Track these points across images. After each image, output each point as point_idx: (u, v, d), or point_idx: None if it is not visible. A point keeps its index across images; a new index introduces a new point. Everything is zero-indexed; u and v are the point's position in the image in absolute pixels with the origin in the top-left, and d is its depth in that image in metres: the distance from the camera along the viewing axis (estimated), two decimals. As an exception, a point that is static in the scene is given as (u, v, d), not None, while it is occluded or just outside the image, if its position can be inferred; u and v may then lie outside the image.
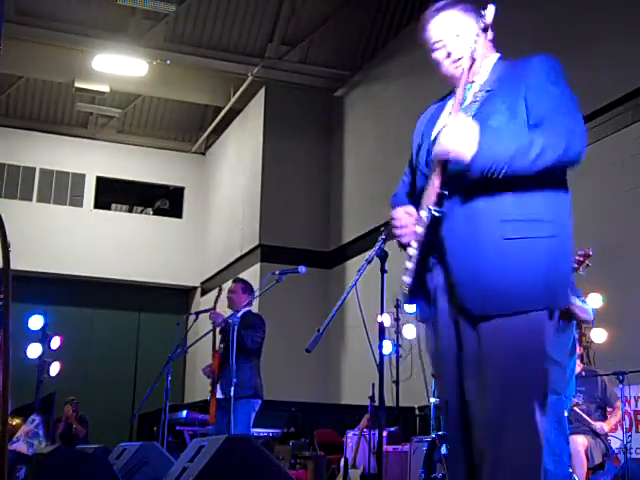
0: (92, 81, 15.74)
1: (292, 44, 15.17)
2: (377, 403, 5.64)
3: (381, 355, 3.59)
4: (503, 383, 2.51)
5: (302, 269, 5.97)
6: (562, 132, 2.51)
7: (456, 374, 2.67)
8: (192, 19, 14.76)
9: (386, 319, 8.63)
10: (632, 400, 7.16)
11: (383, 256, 3.51)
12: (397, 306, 9.05)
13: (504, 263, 2.53)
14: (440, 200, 2.63)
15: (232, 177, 17.32)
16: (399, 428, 8.21)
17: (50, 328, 10.40)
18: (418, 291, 2.76)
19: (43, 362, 10.06)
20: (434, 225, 2.64)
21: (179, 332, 7.67)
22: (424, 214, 2.66)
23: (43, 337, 10.20)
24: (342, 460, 7.82)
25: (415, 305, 2.84)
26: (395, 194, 3.12)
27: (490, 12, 2.65)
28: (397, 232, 2.79)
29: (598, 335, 7.41)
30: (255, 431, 8.84)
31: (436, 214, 2.62)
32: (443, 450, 6.18)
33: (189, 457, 4.46)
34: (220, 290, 7.02)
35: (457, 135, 2.52)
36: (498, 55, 2.88)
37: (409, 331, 9.12)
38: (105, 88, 16.00)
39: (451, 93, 2.96)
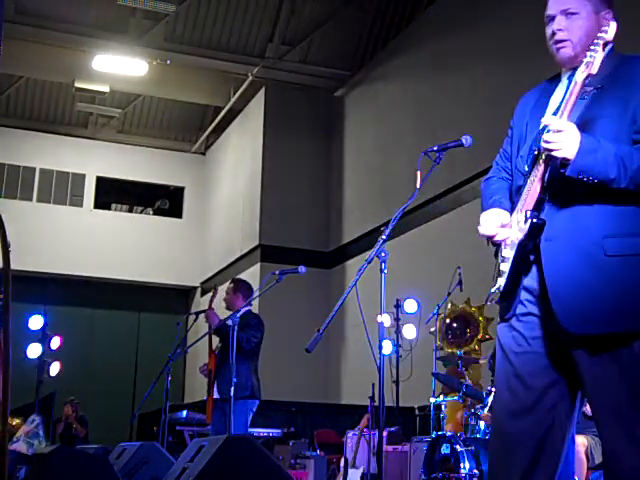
0: (92, 81, 15.74)
1: (292, 44, 15.17)
2: (377, 403, 5.64)
3: (381, 355, 3.59)
4: (617, 409, 2.46)
5: (302, 269, 5.97)
6: None
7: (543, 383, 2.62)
8: (192, 19, 14.76)
9: (386, 319, 8.62)
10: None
11: (383, 256, 3.52)
12: (397, 306, 9.04)
13: (605, 282, 2.46)
14: (540, 205, 2.58)
15: (232, 177, 17.32)
16: (399, 428, 8.20)
17: (50, 328, 10.41)
18: (512, 295, 2.69)
19: (43, 362, 10.07)
20: (534, 236, 2.57)
21: (179, 332, 7.67)
22: (521, 218, 2.61)
23: (43, 337, 10.21)
24: (342, 460, 7.81)
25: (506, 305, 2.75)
26: (487, 179, 3.02)
27: (612, 29, 2.61)
28: (488, 234, 2.74)
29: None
30: (255, 431, 8.84)
31: (535, 221, 2.55)
32: (443, 450, 6.18)
33: (189, 457, 4.46)
34: (215, 290, 6.99)
35: (561, 137, 2.46)
36: (611, 45, 2.77)
37: (409, 331, 9.12)
38: (105, 88, 16.00)
39: (557, 77, 2.87)
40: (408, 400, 9.72)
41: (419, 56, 13.35)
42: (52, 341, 10.29)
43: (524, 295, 2.67)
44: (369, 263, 3.50)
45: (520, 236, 2.60)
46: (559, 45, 2.71)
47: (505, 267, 2.67)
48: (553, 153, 2.47)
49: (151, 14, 14.32)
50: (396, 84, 14.00)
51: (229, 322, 6.23)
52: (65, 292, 17.44)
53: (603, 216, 2.51)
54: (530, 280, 2.66)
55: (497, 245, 2.76)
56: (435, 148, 3.53)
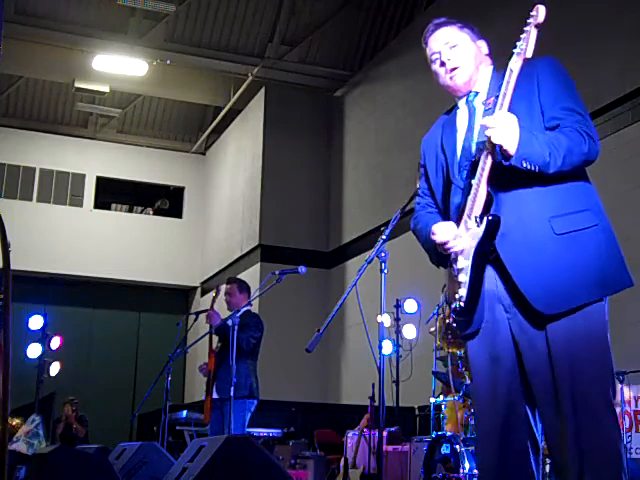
0: (92, 81, 15.75)
1: (292, 44, 15.17)
2: (377, 403, 5.64)
3: (381, 355, 3.59)
4: (578, 383, 2.56)
5: (302, 269, 5.97)
6: (581, 132, 2.62)
7: (516, 381, 2.72)
8: (192, 19, 14.76)
9: (386, 319, 8.62)
10: (632, 400, 7.16)
11: (383, 256, 3.52)
12: (397, 306, 9.04)
13: (561, 259, 2.59)
14: (488, 208, 2.65)
15: (232, 177, 17.32)
16: (399, 428, 8.20)
17: (50, 328, 10.41)
18: (471, 306, 2.75)
19: (43, 362, 10.07)
20: (492, 234, 2.65)
21: (179, 332, 7.67)
22: (472, 225, 2.67)
23: (43, 337, 10.20)
24: (342, 460, 7.81)
25: (463, 322, 2.79)
26: (416, 217, 3.11)
27: (542, 11, 2.76)
28: (445, 247, 2.79)
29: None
30: (255, 431, 8.84)
31: (491, 218, 2.63)
32: (443, 450, 6.18)
33: (189, 457, 4.46)
34: (217, 291, 6.99)
35: (504, 128, 2.56)
36: (492, 67, 2.97)
37: (409, 331, 9.12)
38: (105, 88, 16.01)
39: (454, 107, 3.05)
40: (408, 400, 9.73)
41: (419, 56, 13.20)
42: (52, 341, 10.29)
43: (486, 303, 2.74)
44: (369, 263, 3.50)
45: (474, 243, 2.67)
46: (453, 73, 2.89)
47: (463, 277, 2.73)
48: (495, 138, 2.55)
49: (151, 14, 14.33)
50: (396, 84, 14.01)
51: (229, 322, 6.23)
52: (65, 292, 17.44)
53: (545, 199, 2.65)
54: (489, 284, 2.73)
55: (442, 258, 2.86)
56: None
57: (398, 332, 9.07)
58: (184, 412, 9.65)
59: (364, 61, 15.44)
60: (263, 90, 15.88)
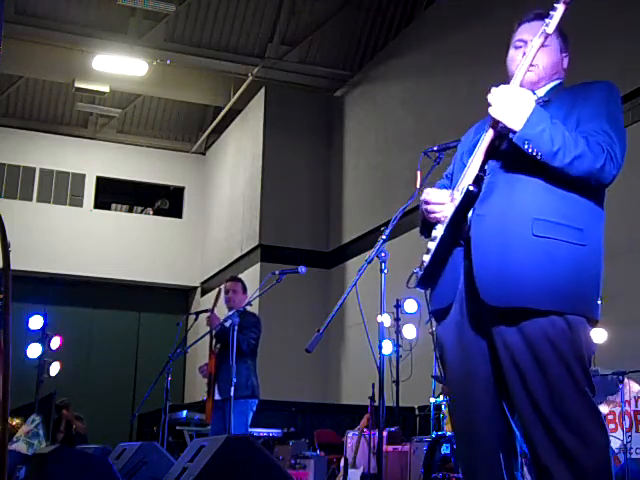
0: (92, 81, 15.76)
1: (292, 44, 15.17)
2: (377, 403, 5.64)
3: (381, 355, 3.59)
4: (547, 382, 2.47)
5: (302, 269, 5.97)
6: (604, 149, 2.51)
7: (485, 374, 2.63)
8: (192, 19, 14.77)
9: (386, 319, 8.62)
10: (632, 400, 7.16)
11: (383, 256, 3.52)
12: (397, 306, 9.04)
13: (530, 259, 2.51)
14: (478, 183, 2.61)
15: (232, 177, 17.33)
16: (399, 428, 8.20)
17: (50, 328, 10.40)
18: (432, 277, 2.71)
19: (43, 362, 10.06)
20: (466, 206, 2.61)
21: (179, 332, 7.66)
22: (458, 194, 2.64)
23: (43, 337, 10.20)
24: (342, 460, 7.81)
25: (424, 292, 2.77)
26: None
27: (554, 21, 2.60)
28: (428, 208, 2.74)
29: (598, 335, 7.41)
30: (255, 431, 8.84)
31: (471, 189, 2.59)
32: (443, 450, 6.19)
33: (189, 457, 4.46)
34: (220, 291, 6.97)
35: (510, 101, 2.54)
36: (560, 81, 2.87)
37: (409, 331, 9.12)
38: (105, 88, 16.01)
39: None
40: (408, 400, 9.73)
41: (419, 56, 13.35)
42: (52, 341, 10.28)
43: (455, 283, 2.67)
44: (369, 263, 3.49)
45: (452, 211, 2.63)
46: (530, 68, 2.74)
47: (431, 245, 2.70)
48: (494, 111, 2.56)
49: (151, 14, 14.33)
50: (396, 84, 14.01)
51: (227, 323, 6.23)
52: (65, 292, 17.44)
53: (542, 198, 2.56)
54: (458, 264, 2.67)
55: (428, 229, 2.79)
56: (435, 148, 3.54)
57: (398, 332, 9.07)
58: (184, 412, 9.65)
59: (364, 61, 15.45)
60: (263, 90, 15.88)
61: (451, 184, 2.90)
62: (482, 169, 2.63)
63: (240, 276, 8.53)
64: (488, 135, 2.64)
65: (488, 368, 2.62)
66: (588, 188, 2.57)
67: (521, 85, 2.68)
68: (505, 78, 2.84)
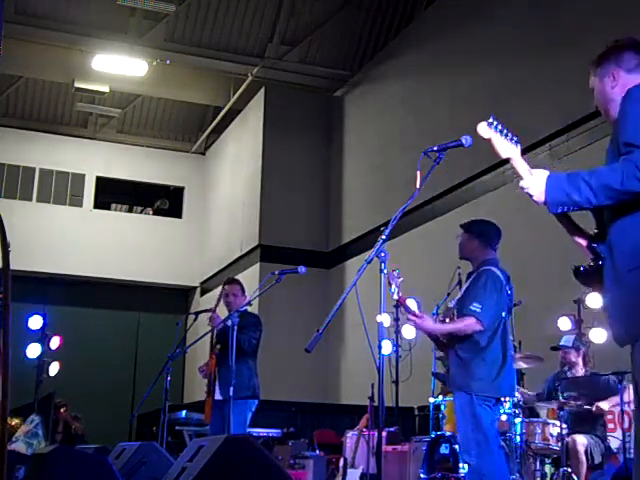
0: (92, 81, 15.75)
1: (292, 44, 15.17)
2: (376, 403, 5.64)
3: (380, 355, 3.58)
4: None
5: (302, 269, 5.97)
6: (625, 166, 2.63)
7: None
8: (192, 19, 14.77)
9: (385, 319, 8.62)
10: (631, 400, 7.16)
11: (383, 256, 3.52)
12: (396, 306, 9.03)
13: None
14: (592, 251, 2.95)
15: (232, 177, 17.32)
16: (398, 428, 8.20)
17: (50, 328, 10.39)
18: None
19: (42, 362, 10.05)
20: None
21: (178, 332, 7.66)
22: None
23: (42, 337, 10.19)
24: (341, 460, 7.82)
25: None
26: None
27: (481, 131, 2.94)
28: None
29: (598, 335, 7.41)
30: (255, 431, 8.83)
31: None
32: (442, 450, 6.18)
33: (188, 457, 4.46)
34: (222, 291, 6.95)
35: (531, 181, 2.83)
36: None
37: (408, 331, 9.11)
38: (105, 88, 16.01)
39: None
40: (407, 400, 9.72)
41: (419, 56, 13.35)
42: (51, 341, 10.28)
43: None
44: (369, 263, 3.50)
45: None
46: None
47: None
48: (530, 193, 2.84)
49: (151, 14, 14.33)
50: (396, 84, 14.01)
51: (229, 323, 6.22)
52: (65, 292, 17.42)
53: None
54: None
55: None
56: (435, 148, 3.55)
57: (397, 332, 9.05)
58: (183, 412, 9.64)
59: (364, 61, 15.45)
60: (263, 90, 15.88)
61: None
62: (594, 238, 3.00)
63: (239, 276, 8.57)
64: None
65: None
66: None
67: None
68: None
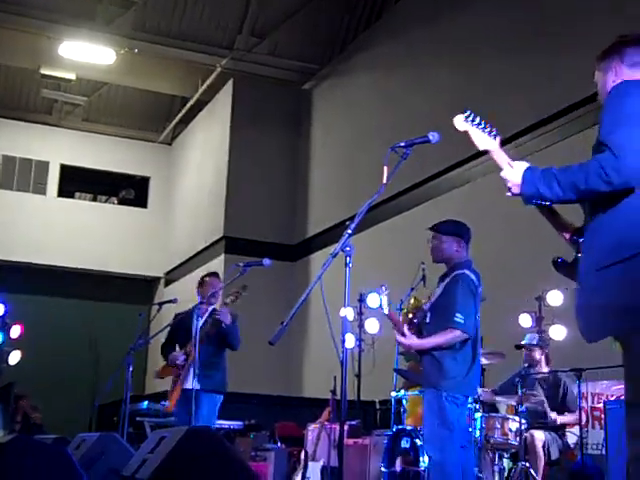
0: (58, 68, 15.58)
1: (261, 36, 15.11)
2: (338, 396, 5.65)
3: (344, 349, 3.59)
4: None
5: (266, 262, 5.96)
6: (593, 164, 2.69)
7: None
8: (161, 8, 14.64)
9: (349, 313, 8.63)
10: (589, 397, 7.26)
11: (348, 250, 3.52)
12: (360, 300, 9.06)
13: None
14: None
15: (198, 168, 17.24)
16: (360, 422, 8.23)
17: (10, 317, 10.28)
18: None
19: (2, 351, 9.95)
20: None
21: (141, 323, 7.62)
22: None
23: (3, 325, 10.08)
24: (302, 453, 7.83)
25: None
26: None
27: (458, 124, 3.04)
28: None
29: (558, 332, 7.49)
30: (216, 423, 8.82)
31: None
32: (403, 444, 6.22)
33: (149, 448, 4.44)
34: (245, 287, 6.52)
35: (510, 173, 2.92)
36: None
37: (372, 325, 9.14)
38: (71, 75, 15.84)
39: None
40: (369, 394, 9.76)
41: (388, 50, 13.37)
42: (12, 330, 10.17)
43: None
44: (334, 257, 3.50)
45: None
46: None
47: None
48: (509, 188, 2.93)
49: (119, 2, 14.17)
50: (365, 78, 14.02)
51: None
52: (27, 280, 17.25)
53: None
54: None
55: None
56: (402, 144, 3.57)
57: (361, 326, 9.08)
58: (145, 403, 9.60)
59: (333, 54, 15.44)
60: (231, 82, 15.82)
61: None
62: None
63: (204, 268, 8.53)
64: None
65: None
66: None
67: None
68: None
